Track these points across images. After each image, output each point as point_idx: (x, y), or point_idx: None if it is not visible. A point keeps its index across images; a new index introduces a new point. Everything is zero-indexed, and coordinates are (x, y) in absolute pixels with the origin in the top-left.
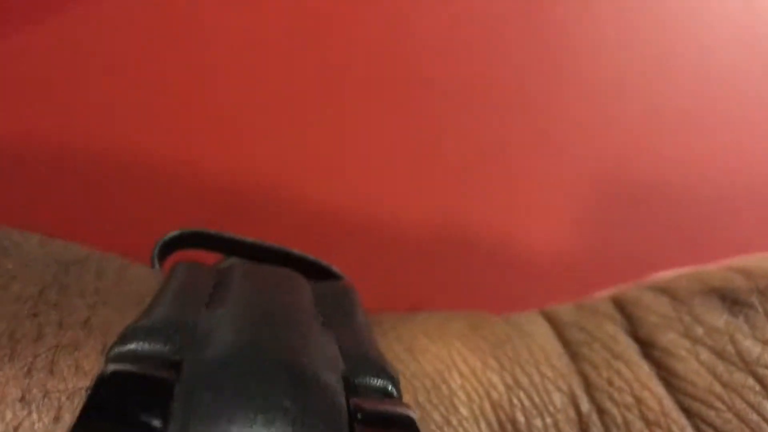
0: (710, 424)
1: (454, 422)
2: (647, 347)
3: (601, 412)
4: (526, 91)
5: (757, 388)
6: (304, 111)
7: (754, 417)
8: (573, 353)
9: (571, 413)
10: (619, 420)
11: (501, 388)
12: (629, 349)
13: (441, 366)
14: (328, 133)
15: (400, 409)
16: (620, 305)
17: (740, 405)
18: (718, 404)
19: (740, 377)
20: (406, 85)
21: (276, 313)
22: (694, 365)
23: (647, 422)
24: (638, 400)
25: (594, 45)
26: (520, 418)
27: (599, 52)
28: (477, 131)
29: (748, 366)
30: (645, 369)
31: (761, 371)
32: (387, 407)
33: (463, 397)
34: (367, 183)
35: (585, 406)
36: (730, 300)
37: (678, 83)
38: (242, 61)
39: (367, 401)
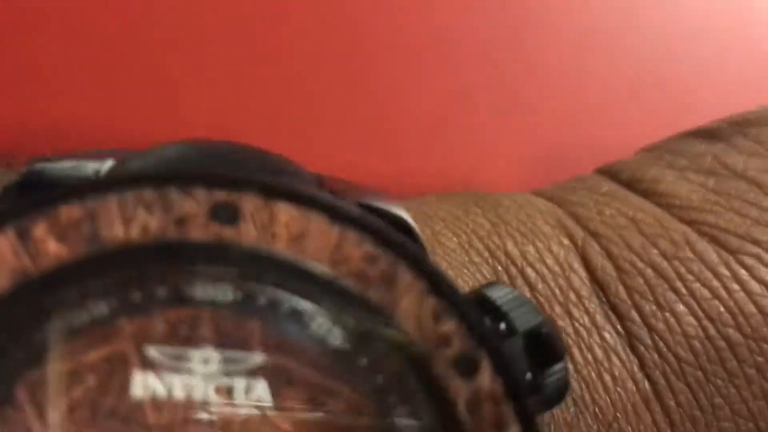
0: (713, 226)
1: (440, 253)
2: (633, 184)
3: (595, 235)
4: (494, 47)
5: (752, 189)
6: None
7: (754, 211)
8: (559, 201)
9: (564, 240)
10: (616, 239)
11: (488, 225)
12: (615, 188)
13: (423, 217)
14: (287, 88)
15: (395, 210)
16: (601, 169)
17: (739, 204)
18: (717, 208)
19: (732, 183)
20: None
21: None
22: (684, 185)
23: (647, 236)
24: (633, 221)
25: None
26: (511, 247)
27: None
28: (442, 87)
29: (736, 174)
30: (634, 198)
31: (751, 174)
32: (384, 204)
33: (448, 234)
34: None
35: (578, 233)
36: (706, 135)
37: (650, 42)
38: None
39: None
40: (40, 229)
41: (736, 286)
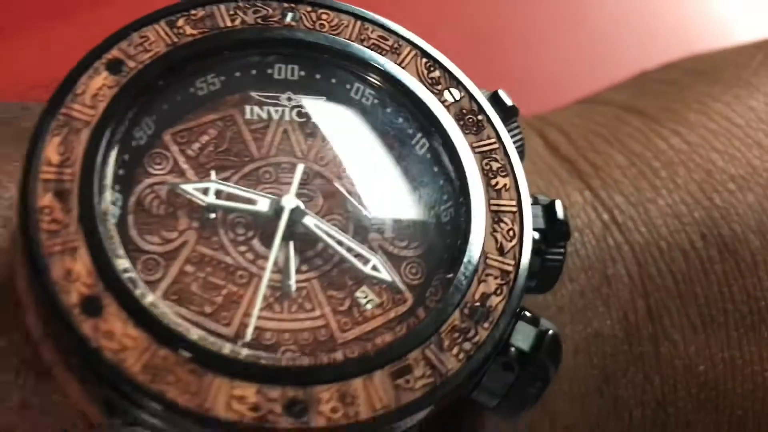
0: (637, 107)
1: None
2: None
3: (554, 125)
4: None
5: (631, 115)
6: None
7: (666, 98)
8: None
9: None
10: (568, 125)
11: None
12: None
13: None
14: None
15: None
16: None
17: (655, 92)
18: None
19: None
20: None
21: None
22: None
23: (586, 118)
24: (588, 110)
25: None
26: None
27: None
28: None
29: (612, 106)
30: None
31: (631, 104)
32: None
33: None
34: None
35: (539, 126)
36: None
37: None
38: None
39: None
40: (181, 21)
41: (654, 137)
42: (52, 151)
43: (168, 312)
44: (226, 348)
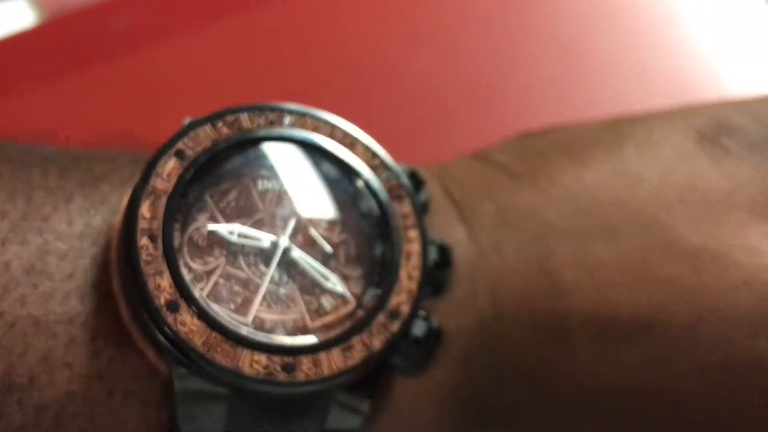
0: (511, 169)
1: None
2: (480, 156)
3: (450, 177)
4: None
5: (504, 176)
6: None
7: (498, 195)
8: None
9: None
10: (460, 179)
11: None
12: (470, 159)
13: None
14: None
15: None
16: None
17: (494, 187)
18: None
19: (492, 172)
20: None
21: None
22: (503, 154)
23: (474, 173)
24: (472, 169)
25: None
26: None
27: None
28: None
29: (495, 166)
30: (476, 161)
31: (507, 167)
32: None
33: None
34: None
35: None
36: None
37: None
38: None
39: None
40: (219, 123)
41: (514, 195)
42: (145, 209)
43: (214, 308)
44: (244, 330)
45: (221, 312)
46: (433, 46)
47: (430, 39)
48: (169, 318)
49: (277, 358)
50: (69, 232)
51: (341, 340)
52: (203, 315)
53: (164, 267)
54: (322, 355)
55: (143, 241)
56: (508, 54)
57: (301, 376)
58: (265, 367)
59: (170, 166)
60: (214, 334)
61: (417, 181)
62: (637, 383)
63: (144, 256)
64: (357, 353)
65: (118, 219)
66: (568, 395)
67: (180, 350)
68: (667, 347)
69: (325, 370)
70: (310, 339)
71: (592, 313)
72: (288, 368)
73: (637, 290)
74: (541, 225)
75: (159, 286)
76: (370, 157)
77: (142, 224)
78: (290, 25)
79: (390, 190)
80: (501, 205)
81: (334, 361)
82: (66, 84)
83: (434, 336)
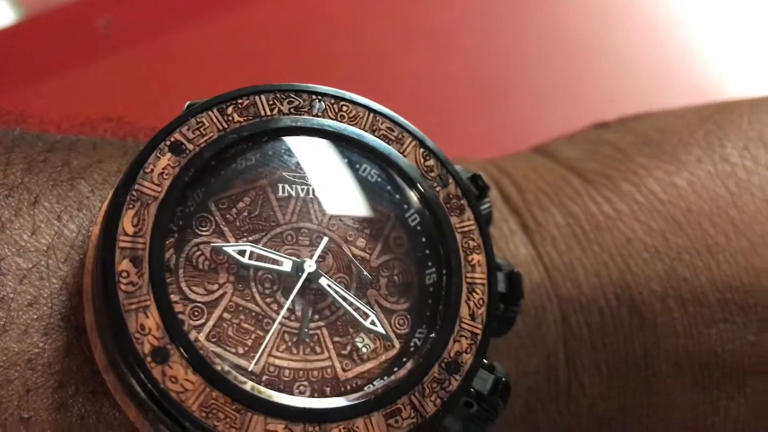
0: (580, 168)
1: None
2: (542, 151)
3: (509, 175)
4: None
5: (611, 149)
6: None
7: (609, 161)
8: (495, 162)
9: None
10: (520, 176)
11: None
12: (530, 154)
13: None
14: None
15: None
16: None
17: (600, 157)
18: (585, 159)
19: (600, 147)
20: None
21: None
22: (571, 149)
23: (539, 173)
24: (534, 168)
25: None
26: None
27: None
28: None
29: (605, 142)
30: (539, 158)
31: (613, 141)
32: None
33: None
34: None
35: (496, 175)
36: (600, 124)
37: None
38: None
39: None
40: (230, 109)
41: (589, 201)
42: (127, 222)
43: (215, 352)
44: (248, 385)
45: (225, 360)
46: (438, 39)
47: (434, 32)
48: (156, 371)
49: (298, 427)
50: (33, 245)
51: (384, 402)
52: (201, 367)
53: (150, 300)
54: (359, 422)
55: (123, 264)
56: (514, 47)
57: None
58: None
59: (163, 163)
60: (215, 393)
61: (480, 188)
62: None
63: (123, 285)
64: (404, 420)
65: (96, 231)
66: None
67: (169, 415)
68: None
69: None
70: (342, 401)
71: (684, 354)
72: None
73: (744, 325)
74: (623, 241)
75: (143, 326)
76: (423, 156)
77: (123, 242)
78: (286, 15)
79: (448, 199)
80: (573, 214)
81: (374, 430)
82: (48, 82)
83: (501, 392)
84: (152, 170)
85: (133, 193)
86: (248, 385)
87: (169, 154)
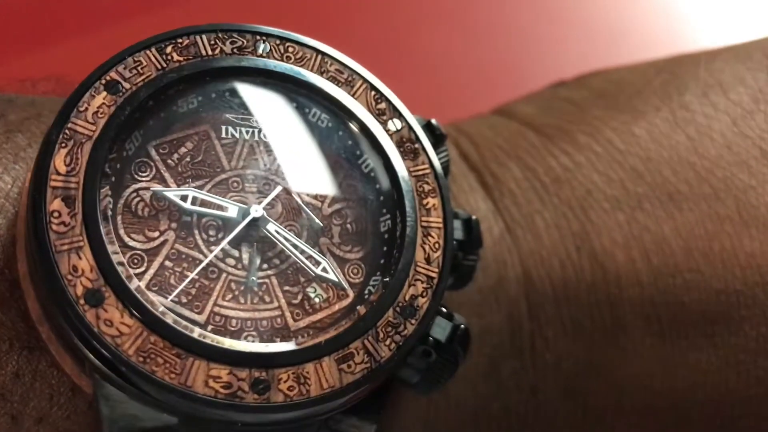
0: (538, 124)
1: None
2: (502, 112)
3: (467, 135)
4: None
5: (568, 105)
6: None
7: (566, 116)
8: (457, 125)
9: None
10: (479, 136)
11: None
12: (491, 116)
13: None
14: None
15: None
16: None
17: (557, 113)
18: (542, 115)
19: (557, 103)
20: None
21: None
22: (528, 107)
23: (497, 131)
24: (492, 126)
25: None
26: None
27: None
28: None
29: (561, 98)
30: (498, 118)
31: (569, 97)
32: None
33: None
34: None
35: (454, 134)
36: (558, 83)
37: None
38: None
39: None
40: (169, 48)
41: (547, 155)
42: (59, 161)
43: (156, 301)
44: (195, 332)
45: (166, 306)
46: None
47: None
48: (89, 314)
49: (243, 372)
50: None
51: (335, 346)
52: (139, 310)
53: (83, 240)
54: (309, 368)
55: (55, 204)
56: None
57: (278, 398)
58: (227, 386)
59: (98, 102)
60: (153, 337)
61: (436, 135)
62: (707, 391)
63: (55, 226)
64: (357, 365)
65: (29, 176)
66: (619, 405)
67: (105, 361)
68: (751, 346)
69: (313, 389)
70: (291, 345)
71: (650, 305)
72: (259, 386)
73: (709, 274)
74: (582, 192)
75: (75, 268)
76: (374, 99)
77: (55, 181)
78: None
79: (401, 143)
80: (531, 167)
81: (325, 375)
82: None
83: (460, 340)
84: (86, 109)
85: (66, 131)
86: (196, 332)
87: (104, 93)
